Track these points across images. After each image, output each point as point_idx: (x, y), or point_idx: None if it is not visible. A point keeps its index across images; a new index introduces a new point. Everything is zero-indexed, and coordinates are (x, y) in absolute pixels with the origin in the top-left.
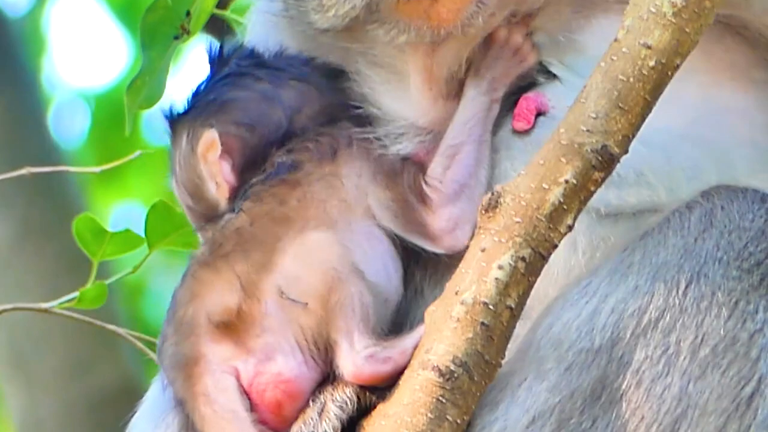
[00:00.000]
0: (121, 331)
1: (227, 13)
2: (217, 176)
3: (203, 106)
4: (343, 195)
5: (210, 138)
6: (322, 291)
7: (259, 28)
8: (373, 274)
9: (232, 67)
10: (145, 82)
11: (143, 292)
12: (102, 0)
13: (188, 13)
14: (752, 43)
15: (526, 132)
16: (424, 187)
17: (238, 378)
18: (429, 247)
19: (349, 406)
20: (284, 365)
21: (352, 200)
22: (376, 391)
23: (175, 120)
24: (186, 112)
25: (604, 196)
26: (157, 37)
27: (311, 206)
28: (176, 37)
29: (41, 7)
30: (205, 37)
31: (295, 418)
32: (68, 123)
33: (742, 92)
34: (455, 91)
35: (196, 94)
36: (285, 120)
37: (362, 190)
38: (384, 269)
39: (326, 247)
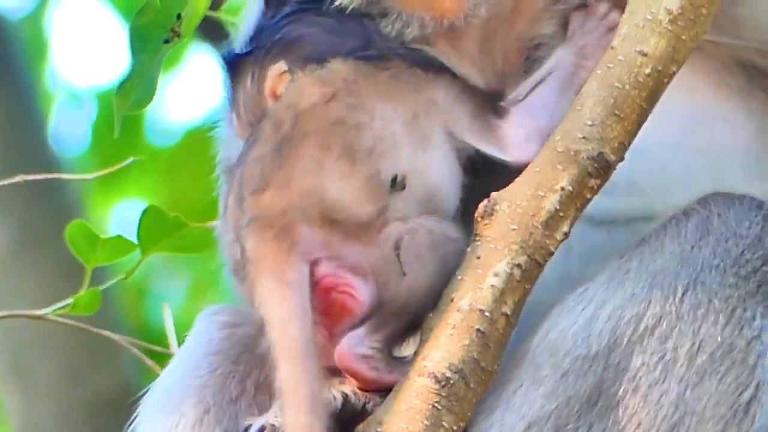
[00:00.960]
0: (116, 337)
1: (220, 15)
2: None
3: (269, 45)
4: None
5: (280, 69)
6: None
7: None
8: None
9: (293, 5)
10: (134, 84)
11: (144, 297)
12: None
13: (179, 16)
14: (728, 49)
15: None
16: (503, 103)
17: (312, 271)
18: (499, 155)
19: (334, 403)
20: (360, 284)
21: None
22: (367, 395)
23: (237, 61)
24: (250, 52)
25: (598, 204)
26: (147, 40)
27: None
28: (167, 41)
29: (43, 8)
30: (198, 39)
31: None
32: (70, 124)
33: (724, 99)
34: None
35: (257, 35)
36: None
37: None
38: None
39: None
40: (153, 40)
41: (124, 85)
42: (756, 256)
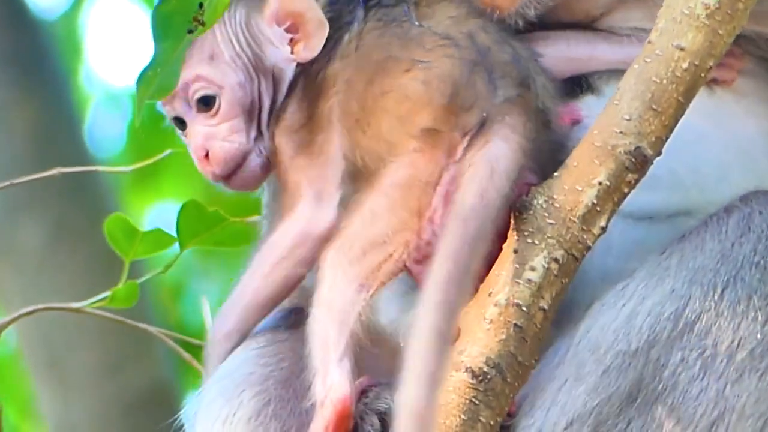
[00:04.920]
0: (153, 330)
1: None
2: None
3: None
4: None
5: None
6: None
7: None
8: None
9: None
10: (156, 73)
11: (181, 293)
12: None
13: (201, 5)
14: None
15: None
16: None
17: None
18: None
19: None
20: None
21: None
22: None
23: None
24: None
25: (638, 199)
26: (170, 28)
27: None
28: (190, 31)
29: (77, 8)
30: None
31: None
32: (107, 123)
33: (747, 92)
34: None
35: None
36: None
37: None
38: None
39: None
40: (176, 29)
41: (146, 74)
42: None
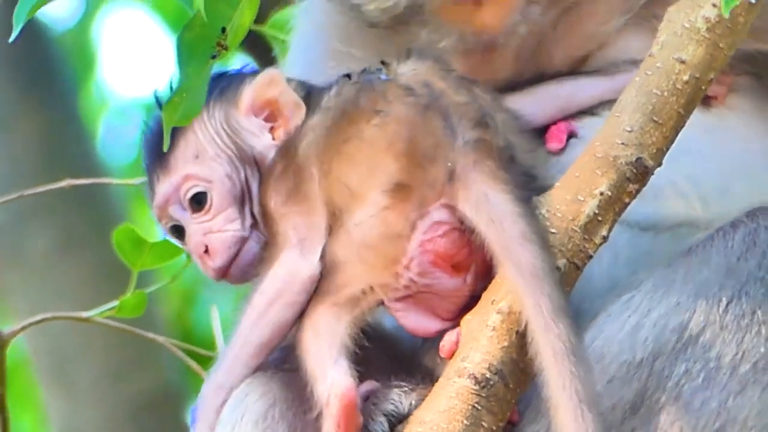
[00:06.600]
0: (160, 339)
1: (265, 29)
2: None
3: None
4: None
5: (270, 75)
6: None
7: (306, 28)
8: None
9: None
10: (182, 98)
11: (189, 302)
12: (153, 11)
13: (224, 30)
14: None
15: (559, 152)
16: None
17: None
18: None
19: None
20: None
21: None
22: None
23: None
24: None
25: (642, 210)
26: (194, 54)
27: None
28: (213, 56)
29: (89, 20)
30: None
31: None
32: (118, 134)
33: (741, 106)
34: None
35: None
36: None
37: None
38: None
39: None
40: (199, 54)
41: (171, 99)
42: None
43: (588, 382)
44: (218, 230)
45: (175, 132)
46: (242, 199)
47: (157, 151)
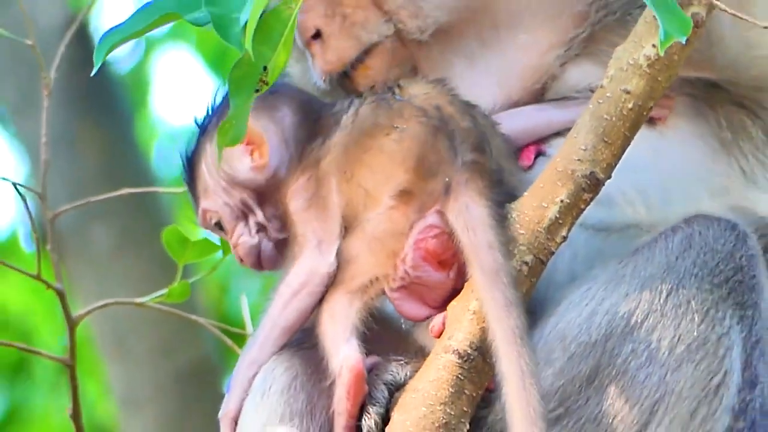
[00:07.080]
0: (201, 320)
1: None
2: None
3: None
4: None
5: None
6: None
7: None
8: None
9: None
10: (232, 125)
11: (225, 291)
12: (196, 52)
13: (265, 68)
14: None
15: (528, 168)
16: None
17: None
18: None
19: (391, 377)
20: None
21: None
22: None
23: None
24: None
25: (596, 214)
26: (241, 88)
27: None
28: (257, 90)
29: (145, 62)
30: None
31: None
32: (169, 152)
33: (681, 126)
34: None
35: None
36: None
37: None
38: None
39: None
40: (245, 88)
41: (224, 125)
42: (728, 268)
43: (531, 360)
44: (235, 244)
45: (196, 164)
46: (244, 216)
47: (190, 176)
